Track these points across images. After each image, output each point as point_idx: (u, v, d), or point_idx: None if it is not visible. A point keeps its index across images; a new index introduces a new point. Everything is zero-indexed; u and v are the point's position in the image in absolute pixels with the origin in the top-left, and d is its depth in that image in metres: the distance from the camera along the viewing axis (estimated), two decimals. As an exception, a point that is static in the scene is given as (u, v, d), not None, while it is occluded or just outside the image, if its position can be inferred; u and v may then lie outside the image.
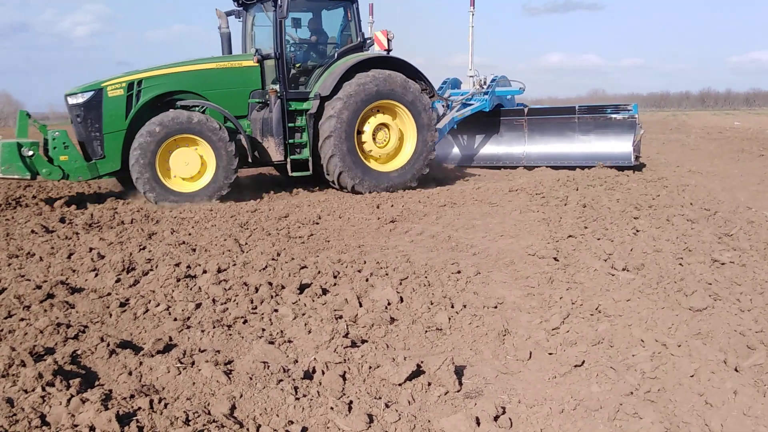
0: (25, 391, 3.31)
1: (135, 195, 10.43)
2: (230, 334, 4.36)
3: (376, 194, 10.95)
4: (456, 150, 15.25)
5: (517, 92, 15.58)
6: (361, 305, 4.87)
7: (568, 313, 4.67)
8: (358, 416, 3.20)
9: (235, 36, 12.26)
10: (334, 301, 4.93)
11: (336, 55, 11.43)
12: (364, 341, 4.18)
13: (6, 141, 9.67)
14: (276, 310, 4.80)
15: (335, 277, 5.63)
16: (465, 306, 4.89)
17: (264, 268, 5.82)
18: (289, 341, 4.23)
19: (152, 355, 3.90)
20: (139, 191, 10.10)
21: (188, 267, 5.85)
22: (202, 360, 3.77)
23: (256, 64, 10.96)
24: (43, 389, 3.30)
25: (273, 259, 6.17)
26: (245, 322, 4.63)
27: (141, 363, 3.77)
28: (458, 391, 3.60)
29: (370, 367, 3.73)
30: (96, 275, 5.74)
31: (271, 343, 4.12)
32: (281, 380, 3.53)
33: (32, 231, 7.78)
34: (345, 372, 3.67)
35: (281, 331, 4.43)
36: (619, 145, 12.95)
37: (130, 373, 3.67)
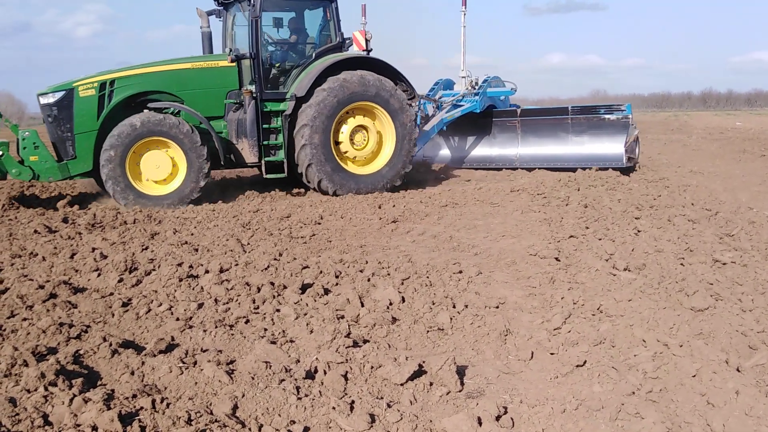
0: (28, 391, 3.32)
1: (109, 196, 10.31)
2: (232, 334, 4.37)
3: (378, 194, 10.92)
4: (447, 151, 15.09)
5: (509, 93, 15.38)
6: (362, 305, 4.87)
7: (570, 313, 4.67)
8: (359, 416, 3.20)
9: (218, 36, 12.19)
10: (336, 301, 4.94)
11: (314, 55, 11.26)
12: (365, 341, 4.19)
13: None
14: (278, 310, 4.80)
15: (337, 277, 5.63)
16: (467, 306, 4.89)
17: (266, 268, 5.83)
18: (291, 341, 4.24)
19: (154, 355, 3.90)
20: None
21: (190, 267, 5.85)
22: (205, 360, 3.78)
23: (233, 64, 10.80)
24: (46, 389, 3.31)
25: (275, 259, 6.17)
26: (247, 321, 4.63)
27: (143, 363, 3.78)
28: (460, 391, 3.60)
29: (372, 367, 3.74)
30: (98, 275, 5.75)
31: (273, 342, 4.12)
32: (283, 380, 3.53)
33: (35, 231, 7.79)
34: (347, 372, 3.68)
35: (283, 331, 4.43)
36: (611, 147, 12.69)
37: (133, 373, 3.67)
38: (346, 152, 11.17)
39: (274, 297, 5.08)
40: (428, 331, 4.48)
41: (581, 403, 3.41)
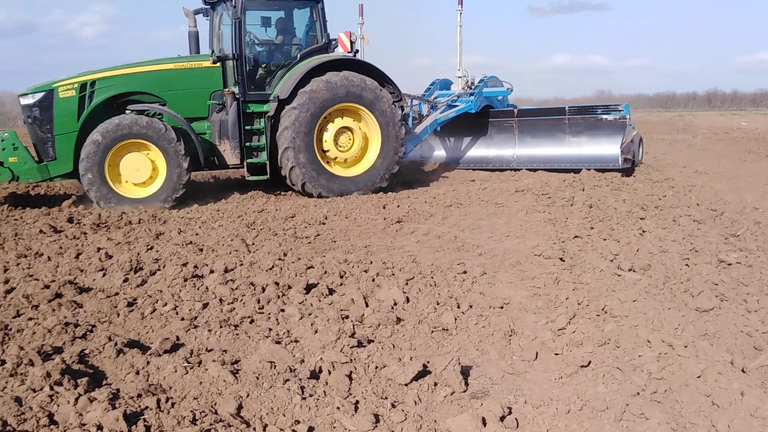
0: (33, 390, 3.33)
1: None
2: (237, 334, 4.37)
3: (383, 194, 10.91)
4: (444, 152, 14.93)
5: (506, 93, 15.22)
6: (367, 305, 4.87)
7: (575, 313, 4.66)
8: (364, 416, 3.20)
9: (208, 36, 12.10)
10: (341, 301, 4.94)
11: (299, 56, 11.13)
12: (370, 341, 4.19)
13: None
14: (283, 310, 4.81)
15: (341, 277, 5.63)
16: (471, 306, 4.89)
17: (271, 268, 5.83)
18: (296, 341, 4.24)
19: (159, 355, 3.91)
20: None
21: (195, 267, 5.87)
22: (209, 359, 3.79)
23: (217, 65, 10.67)
24: (51, 388, 3.32)
25: (280, 259, 6.18)
26: (252, 321, 4.64)
27: (148, 362, 3.79)
28: (464, 392, 3.60)
29: (377, 367, 3.74)
30: (104, 275, 5.76)
31: (278, 342, 4.13)
32: (288, 380, 3.54)
33: (40, 231, 7.82)
34: (351, 372, 3.68)
35: (288, 331, 4.44)
36: (607, 148, 12.48)
37: (138, 373, 3.68)
38: (328, 152, 11.05)
39: (278, 297, 5.09)
40: (433, 332, 4.48)
41: (586, 403, 3.41)
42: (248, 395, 3.39)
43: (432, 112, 14.09)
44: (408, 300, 5.00)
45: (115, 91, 10.28)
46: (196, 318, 4.72)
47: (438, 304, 4.92)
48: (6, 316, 4.67)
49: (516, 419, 3.28)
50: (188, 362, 3.76)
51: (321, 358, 3.84)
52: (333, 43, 11.51)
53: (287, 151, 10.54)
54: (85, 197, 10.13)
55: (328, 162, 11.12)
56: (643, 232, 6.98)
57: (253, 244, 7.08)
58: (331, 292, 5.24)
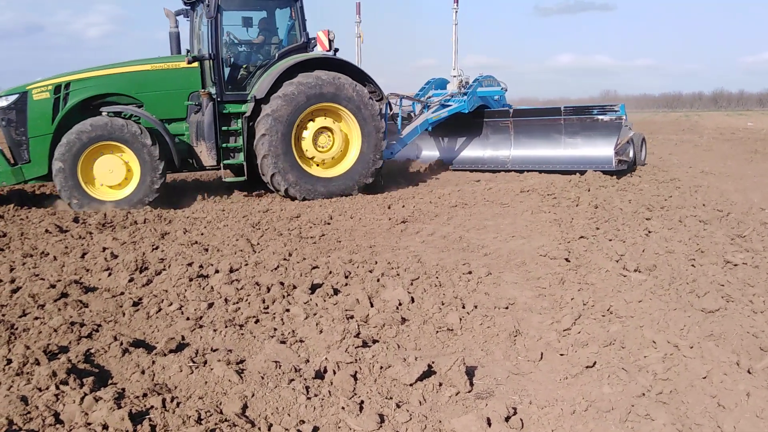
0: (39, 390, 3.34)
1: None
2: (242, 334, 4.38)
3: (388, 194, 10.89)
4: (437, 152, 14.72)
5: (499, 92, 15.02)
6: (372, 305, 4.87)
7: (580, 314, 4.66)
8: (369, 416, 3.20)
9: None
10: (346, 301, 4.94)
11: (277, 56, 10.97)
12: (375, 341, 4.19)
13: None
14: (288, 310, 4.81)
15: (346, 277, 5.64)
16: (476, 306, 4.88)
17: (276, 268, 5.84)
18: (301, 341, 4.25)
19: (165, 354, 3.92)
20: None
21: (201, 267, 5.87)
22: (215, 359, 3.79)
23: (195, 65, 10.51)
24: (57, 387, 3.33)
25: (285, 259, 6.19)
26: (257, 321, 4.64)
27: (154, 362, 3.79)
28: (469, 392, 3.59)
29: (381, 367, 3.74)
30: (109, 274, 5.78)
31: (283, 342, 4.13)
32: (293, 380, 3.54)
33: (46, 230, 7.84)
34: (356, 372, 3.68)
35: (293, 331, 4.44)
36: (602, 149, 12.24)
37: (143, 372, 3.69)
38: (307, 151, 10.87)
39: (283, 297, 5.09)
40: (437, 332, 4.48)
41: (591, 404, 3.40)
42: (253, 395, 3.39)
43: (425, 112, 13.88)
44: (413, 300, 4.99)
45: (90, 93, 10.18)
46: (201, 318, 4.72)
47: (443, 304, 4.92)
48: (12, 316, 4.68)
49: (521, 420, 3.27)
50: (193, 362, 3.77)
51: (326, 358, 3.84)
52: (312, 42, 11.31)
53: (266, 158, 10.38)
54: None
55: (307, 162, 10.91)
56: (649, 232, 6.97)
57: (258, 244, 7.08)
58: (336, 292, 5.24)
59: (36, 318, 4.60)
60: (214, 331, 4.42)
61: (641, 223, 7.53)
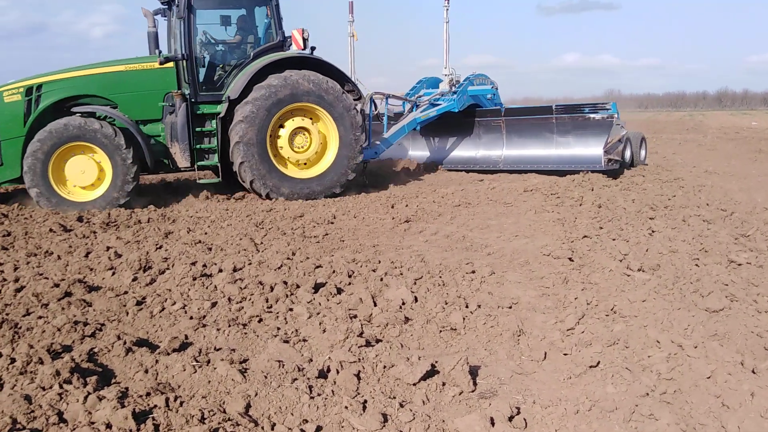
0: (43, 389, 3.34)
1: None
2: (245, 333, 4.38)
3: (391, 194, 10.86)
4: (428, 152, 14.59)
5: (489, 92, 14.84)
6: (375, 305, 4.87)
7: (583, 313, 4.65)
8: (372, 415, 3.20)
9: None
10: (349, 301, 4.94)
11: (252, 55, 10.87)
12: (378, 341, 4.19)
13: None
14: (291, 309, 4.81)
15: (350, 276, 5.63)
16: (479, 306, 4.88)
17: (279, 267, 5.84)
18: (304, 340, 4.25)
19: (168, 354, 3.92)
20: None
21: (204, 266, 5.88)
22: (218, 358, 3.79)
23: (170, 65, 10.43)
24: (61, 387, 3.33)
25: (288, 259, 6.19)
26: (260, 320, 4.65)
27: (157, 361, 3.80)
28: (473, 391, 3.59)
29: (385, 367, 3.74)
30: (113, 274, 5.78)
31: (286, 342, 4.13)
32: (296, 379, 3.54)
33: (50, 230, 7.86)
34: (359, 371, 3.68)
35: (296, 330, 4.44)
36: (592, 148, 12.00)
37: (146, 371, 3.69)
38: (282, 149, 10.73)
39: (287, 296, 5.09)
40: (441, 331, 4.47)
41: (594, 404, 3.40)
42: (256, 394, 3.40)
43: (413, 110, 13.67)
44: (416, 299, 4.99)
45: (62, 95, 10.12)
46: (204, 317, 4.73)
47: (446, 303, 4.91)
48: (16, 315, 4.69)
49: (524, 419, 3.27)
50: (197, 361, 3.77)
51: (329, 358, 3.84)
52: (288, 40, 11.19)
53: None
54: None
55: (283, 163, 10.81)
56: (653, 232, 6.96)
57: (261, 243, 7.09)
58: (340, 291, 5.24)
59: (40, 317, 4.61)
60: (218, 330, 4.42)
61: (645, 222, 7.52)
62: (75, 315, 4.67)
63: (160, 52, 10.44)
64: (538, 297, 5.15)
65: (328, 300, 5.02)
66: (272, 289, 5.24)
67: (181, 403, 3.26)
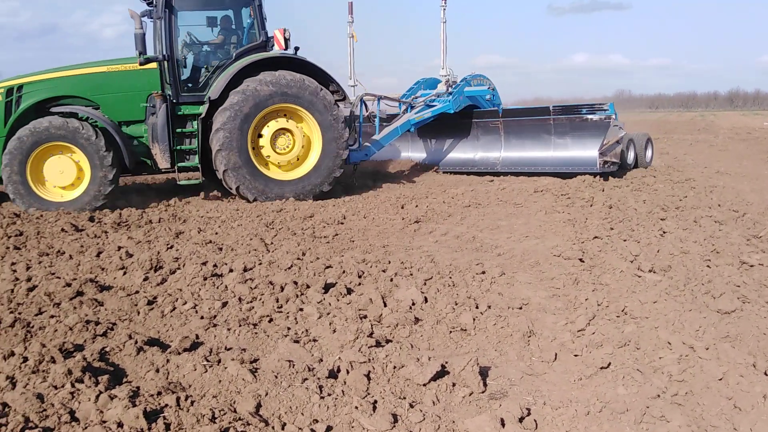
0: (55, 387, 3.36)
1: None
2: (256, 333, 4.39)
3: (401, 194, 10.84)
4: (425, 154, 14.42)
5: (486, 92, 14.56)
6: (385, 305, 4.87)
7: (594, 314, 4.63)
8: (382, 416, 3.20)
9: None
10: (359, 301, 4.94)
11: (234, 55, 10.79)
12: (388, 341, 4.19)
13: None
14: (301, 309, 4.82)
15: (360, 276, 5.64)
16: (490, 307, 4.87)
17: (289, 268, 5.85)
18: (314, 340, 4.25)
19: (179, 353, 3.94)
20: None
21: (215, 266, 5.90)
22: (228, 358, 3.81)
23: (154, 66, 10.38)
24: (73, 385, 3.35)
25: (298, 259, 6.20)
26: (271, 320, 4.66)
27: (168, 360, 3.81)
28: (483, 392, 3.59)
29: (395, 367, 3.74)
30: (124, 273, 5.81)
31: (297, 342, 4.14)
32: (306, 379, 3.55)
33: (62, 229, 7.91)
34: (369, 371, 3.68)
35: (306, 330, 4.45)
36: (588, 150, 11.64)
37: (158, 371, 3.71)
38: (268, 156, 10.63)
39: (297, 296, 5.10)
40: (451, 332, 4.47)
41: (605, 405, 3.39)
42: (267, 394, 3.41)
43: (408, 111, 13.45)
44: (426, 300, 4.99)
45: (43, 96, 10.14)
46: (215, 317, 4.74)
47: (456, 304, 4.91)
48: (28, 314, 4.73)
49: (535, 420, 3.26)
50: (207, 361, 3.78)
51: (339, 358, 3.85)
52: (271, 41, 11.08)
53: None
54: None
55: (265, 165, 10.71)
56: (664, 233, 6.93)
57: (272, 243, 7.10)
58: (350, 291, 5.24)
59: (52, 316, 4.64)
60: (228, 330, 4.43)
61: (656, 223, 7.48)
62: (87, 314, 4.69)
63: (140, 53, 10.32)
64: (548, 298, 5.14)
65: (338, 300, 5.02)
66: (282, 289, 5.25)
67: (192, 403, 3.27)
